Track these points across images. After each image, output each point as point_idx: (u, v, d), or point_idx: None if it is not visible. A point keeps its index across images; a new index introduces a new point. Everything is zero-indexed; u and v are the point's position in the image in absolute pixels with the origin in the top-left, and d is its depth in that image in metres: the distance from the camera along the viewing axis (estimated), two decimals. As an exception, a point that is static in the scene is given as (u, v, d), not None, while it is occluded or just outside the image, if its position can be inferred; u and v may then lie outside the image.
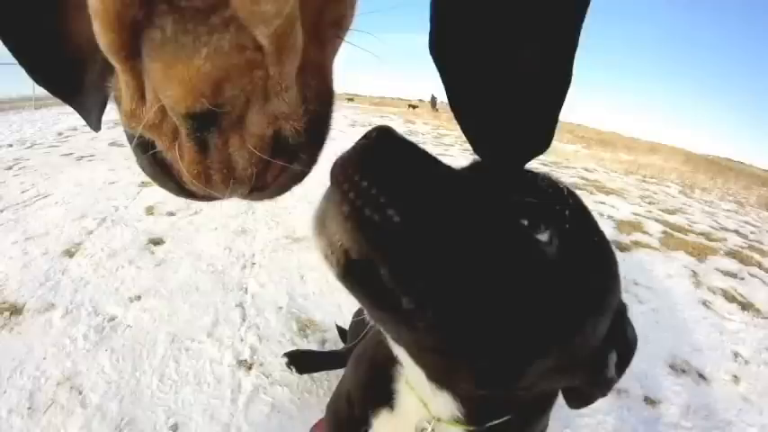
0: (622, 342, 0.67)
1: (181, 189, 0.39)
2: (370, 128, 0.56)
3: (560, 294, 0.54)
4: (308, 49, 0.32)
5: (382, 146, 0.54)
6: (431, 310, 0.50)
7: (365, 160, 0.52)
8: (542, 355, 0.57)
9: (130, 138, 0.36)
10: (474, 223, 0.53)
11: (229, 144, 0.34)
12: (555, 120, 0.56)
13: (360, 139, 0.55)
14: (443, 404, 0.70)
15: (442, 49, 0.54)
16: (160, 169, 0.38)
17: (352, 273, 0.52)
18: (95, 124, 0.48)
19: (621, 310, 0.68)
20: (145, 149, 0.37)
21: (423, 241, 0.49)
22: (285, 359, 1.97)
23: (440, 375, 0.65)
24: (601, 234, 0.64)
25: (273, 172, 0.38)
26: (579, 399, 0.72)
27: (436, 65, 0.55)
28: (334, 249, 0.51)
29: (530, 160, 0.59)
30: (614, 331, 0.64)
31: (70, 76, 0.43)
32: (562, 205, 0.58)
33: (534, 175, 0.62)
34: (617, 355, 0.66)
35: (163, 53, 0.28)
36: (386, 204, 0.49)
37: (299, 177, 0.40)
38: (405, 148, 0.55)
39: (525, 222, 0.54)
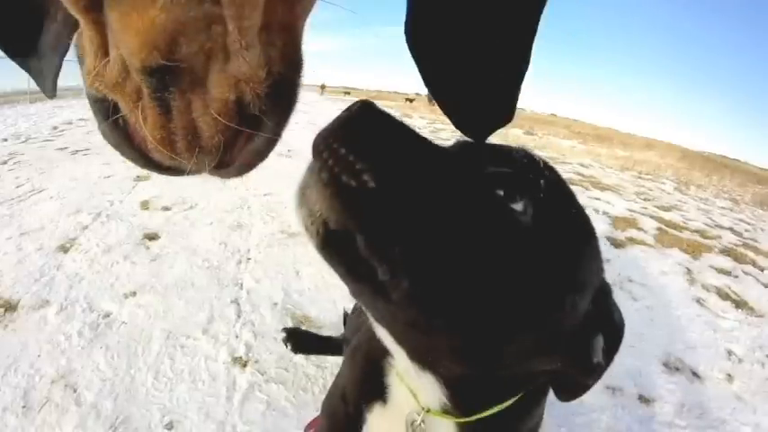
0: (608, 325, 0.67)
1: (145, 158, 0.38)
2: None
3: (536, 265, 0.54)
4: (275, 6, 0.31)
5: (363, 118, 0.55)
6: (406, 281, 0.50)
7: (345, 130, 0.53)
8: (519, 329, 0.56)
9: (93, 100, 0.36)
10: (449, 193, 0.53)
11: (192, 108, 0.33)
12: (516, 96, 0.58)
13: (342, 112, 0.56)
14: (430, 390, 0.70)
15: (416, 34, 0.56)
16: (123, 135, 0.37)
17: (330, 243, 0.53)
18: (50, 89, 0.47)
19: (605, 290, 0.67)
20: (107, 115, 0.36)
21: (398, 209, 0.50)
22: (283, 334, 1.99)
23: (419, 352, 0.65)
24: (578, 206, 0.64)
25: (239, 143, 0.37)
26: (567, 389, 0.72)
27: (410, 49, 0.56)
28: (314, 219, 0.52)
29: (496, 130, 0.61)
30: (598, 313, 0.64)
31: (27, 36, 0.43)
32: (537, 176, 0.59)
33: (510, 148, 0.64)
34: (603, 339, 0.65)
35: (120, 3, 0.28)
36: (362, 170, 0.49)
37: (263, 150, 0.39)
38: (385, 120, 0.56)
39: (501, 193, 0.55)
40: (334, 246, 0.53)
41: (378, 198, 0.49)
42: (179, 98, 0.32)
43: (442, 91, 0.59)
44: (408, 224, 0.50)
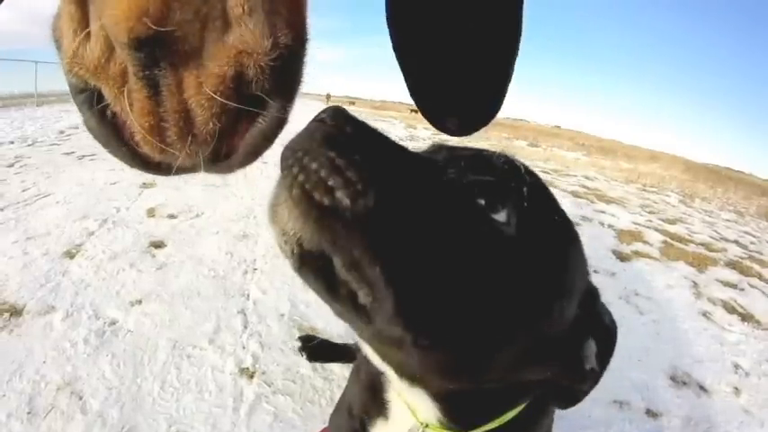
0: (599, 329, 0.66)
1: (133, 155, 0.35)
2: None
3: (520, 274, 0.53)
4: None
5: (334, 127, 0.52)
6: (388, 303, 0.48)
7: (316, 141, 0.50)
8: (506, 341, 0.55)
9: (75, 91, 0.33)
10: (429, 207, 0.51)
11: (184, 86, 0.30)
12: (504, 91, 0.55)
13: (311, 121, 0.53)
14: (424, 406, 0.69)
15: (397, 20, 0.53)
16: (110, 128, 0.34)
17: (307, 264, 0.50)
18: None
19: (593, 294, 0.67)
20: (91, 105, 0.33)
21: (376, 227, 0.48)
22: (298, 343, 1.99)
23: (406, 370, 0.63)
24: (561, 212, 0.63)
25: (240, 129, 0.33)
26: (563, 397, 0.70)
27: (391, 36, 0.54)
28: (287, 239, 0.49)
29: (482, 127, 0.58)
30: (587, 317, 0.63)
31: None
32: (519, 183, 0.57)
33: (490, 154, 0.62)
34: (596, 343, 0.65)
35: None
36: (335, 186, 0.47)
37: (268, 135, 0.35)
38: (358, 129, 0.53)
39: (482, 202, 0.54)
40: (310, 266, 0.50)
41: (353, 216, 0.46)
42: (170, 75, 0.29)
43: (424, 80, 0.55)
44: (388, 242, 0.48)
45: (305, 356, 1.94)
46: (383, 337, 0.54)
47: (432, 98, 0.56)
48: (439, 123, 0.58)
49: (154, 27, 0.26)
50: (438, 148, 0.67)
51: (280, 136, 0.36)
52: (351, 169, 0.47)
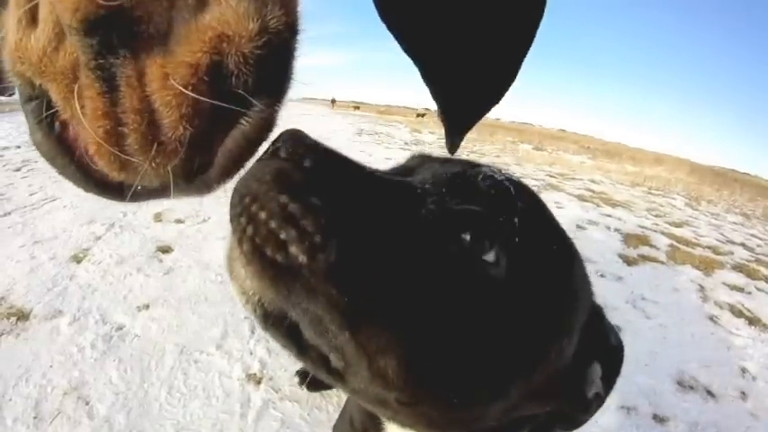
0: (605, 350, 0.60)
1: (86, 174, 0.29)
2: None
3: (513, 322, 0.47)
4: None
5: (289, 161, 0.44)
6: (363, 369, 0.43)
7: (265, 183, 0.42)
8: (499, 394, 0.50)
9: (24, 99, 0.28)
10: (405, 251, 0.45)
11: (146, 79, 0.24)
12: (514, 72, 0.50)
13: (262, 155, 0.44)
14: None
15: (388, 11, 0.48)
16: (56, 142, 0.29)
17: (273, 326, 0.45)
18: None
19: (597, 313, 0.60)
20: (39, 113, 0.28)
21: (343, 285, 0.41)
22: (297, 378, 1.93)
23: (394, 419, 0.55)
24: (560, 237, 0.56)
25: (216, 135, 0.27)
26: (566, 423, 0.64)
27: (386, 25, 0.48)
28: (248, 297, 0.44)
29: (488, 111, 0.53)
30: (592, 341, 0.57)
31: None
32: (510, 214, 0.50)
33: (476, 174, 0.53)
34: (601, 366, 0.59)
35: None
36: (290, 241, 0.40)
37: (252, 142, 0.29)
38: (319, 160, 0.45)
39: (467, 237, 0.46)
40: (276, 328, 0.45)
41: (313, 274, 0.40)
42: (130, 65, 0.24)
43: (435, 62, 0.50)
44: (357, 301, 0.41)
45: (305, 389, 1.90)
46: (362, 397, 0.50)
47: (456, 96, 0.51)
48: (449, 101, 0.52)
49: (106, 3, 0.21)
50: (420, 162, 0.60)
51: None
52: (307, 217, 0.41)
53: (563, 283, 0.54)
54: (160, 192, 0.30)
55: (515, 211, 0.50)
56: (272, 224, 0.40)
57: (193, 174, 0.29)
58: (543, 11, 0.48)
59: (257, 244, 0.40)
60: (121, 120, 0.25)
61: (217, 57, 0.23)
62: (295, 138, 0.46)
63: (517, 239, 0.48)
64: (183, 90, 0.23)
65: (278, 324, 0.44)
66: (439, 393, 0.47)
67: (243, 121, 0.27)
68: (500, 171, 0.55)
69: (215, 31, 0.23)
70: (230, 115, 0.26)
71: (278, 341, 0.46)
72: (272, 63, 0.25)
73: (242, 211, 0.41)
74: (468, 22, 0.48)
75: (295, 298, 0.41)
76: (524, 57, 0.50)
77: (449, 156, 0.60)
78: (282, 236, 0.40)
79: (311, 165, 0.44)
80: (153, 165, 0.26)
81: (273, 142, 0.45)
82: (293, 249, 0.39)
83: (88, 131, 0.25)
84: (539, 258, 0.51)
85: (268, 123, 0.28)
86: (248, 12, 0.23)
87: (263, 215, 0.40)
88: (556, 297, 0.52)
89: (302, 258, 0.39)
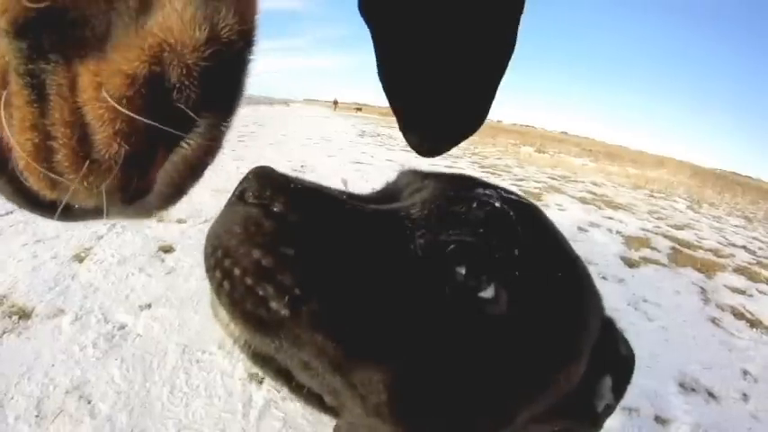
0: (616, 362, 0.57)
1: (15, 189, 0.26)
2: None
3: (516, 357, 0.45)
4: None
5: (258, 206, 0.42)
6: (356, 409, 0.43)
7: (235, 236, 0.40)
8: (503, 423, 0.48)
9: None
10: (394, 291, 0.42)
11: (78, 89, 0.22)
12: (491, 96, 0.45)
13: (230, 198, 0.44)
14: None
15: (372, 7, 0.43)
16: None
17: (264, 365, 0.44)
18: None
19: (608, 326, 0.57)
20: None
21: (331, 332, 0.40)
22: None
23: None
24: (565, 260, 0.52)
25: (156, 155, 0.25)
26: None
27: (368, 25, 0.44)
28: (235, 339, 0.43)
29: (462, 140, 0.47)
30: (603, 355, 0.54)
31: None
32: (509, 244, 0.45)
33: (470, 198, 0.49)
34: (611, 377, 0.56)
35: None
36: (268, 297, 0.38)
37: (195, 167, 0.26)
38: (291, 201, 0.42)
39: (462, 272, 0.43)
40: (268, 367, 0.44)
41: (298, 324, 0.39)
42: (61, 72, 0.21)
43: (403, 78, 0.44)
44: (348, 345, 0.40)
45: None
46: (359, 428, 0.49)
47: (412, 97, 0.45)
48: (412, 130, 0.47)
49: (35, 5, 0.19)
50: (409, 180, 0.56)
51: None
52: (283, 271, 0.39)
53: (571, 312, 0.50)
54: (94, 213, 0.28)
55: (516, 239, 0.46)
56: (248, 281, 0.38)
57: (130, 196, 0.26)
58: (514, 46, 0.44)
59: (236, 299, 0.39)
60: (50, 133, 0.22)
61: (156, 67, 0.21)
62: (262, 177, 0.43)
63: (518, 273, 0.44)
64: (117, 106, 0.21)
65: (268, 365, 0.44)
66: (436, 428, 0.45)
67: (184, 144, 0.25)
68: (497, 190, 0.52)
69: (156, 38, 0.21)
70: (171, 135, 0.24)
71: (270, 379, 0.46)
72: (220, 77, 0.23)
73: (215, 266, 0.40)
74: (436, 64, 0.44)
75: (283, 345, 0.40)
76: (493, 96, 0.46)
77: (441, 171, 0.57)
78: (261, 293, 0.38)
79: (281, 209, 0.42)
80: (85, 184, 0.24)
81: (240, 182, 0.43)
82: (274, 305, 0.38)
83: (16, 145, 0.23)
84: (543, 290, 0.47)
85: (212, 146, 0.26)
86: (195, 18, 0.21)
87: (237, 272, 0.39)
88: (563, 326, 0.49)
89: (284, 312, 0.38)
